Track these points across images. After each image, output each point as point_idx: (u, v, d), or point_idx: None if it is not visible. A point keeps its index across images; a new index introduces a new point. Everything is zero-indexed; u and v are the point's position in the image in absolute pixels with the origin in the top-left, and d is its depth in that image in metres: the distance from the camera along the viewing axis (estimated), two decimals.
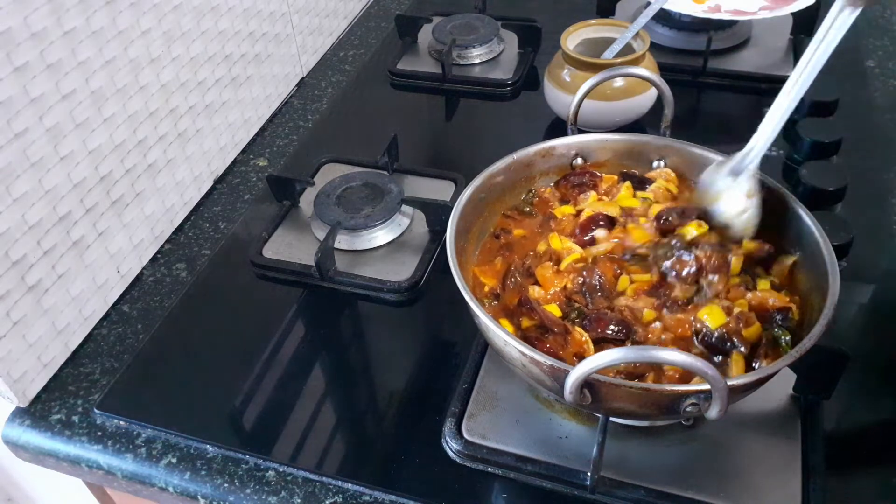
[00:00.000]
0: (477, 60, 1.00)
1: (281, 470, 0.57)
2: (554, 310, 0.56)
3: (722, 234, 0.59)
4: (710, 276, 0.55)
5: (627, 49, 0.83)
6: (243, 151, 0.90)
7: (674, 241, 0.57)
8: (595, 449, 0.52)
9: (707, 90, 0.93)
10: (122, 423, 0.62)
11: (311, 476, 0.57)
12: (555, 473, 0.54)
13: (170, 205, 0.77)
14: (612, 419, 0.54)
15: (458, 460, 0.56)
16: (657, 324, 0.54)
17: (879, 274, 0.69)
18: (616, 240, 0.60)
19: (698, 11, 0.93)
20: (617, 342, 0.53)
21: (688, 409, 0.46)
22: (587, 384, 0.46)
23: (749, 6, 0.94)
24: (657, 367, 0.51)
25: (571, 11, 1.07)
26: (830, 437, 0.55)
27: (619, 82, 0.80)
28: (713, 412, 0.45)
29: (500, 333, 0.49)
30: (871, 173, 0.78)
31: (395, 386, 0.62)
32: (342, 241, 0.74)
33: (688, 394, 0.45)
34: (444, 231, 0.57)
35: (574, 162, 0.67)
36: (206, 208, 0.82)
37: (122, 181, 0.70)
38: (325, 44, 1.07)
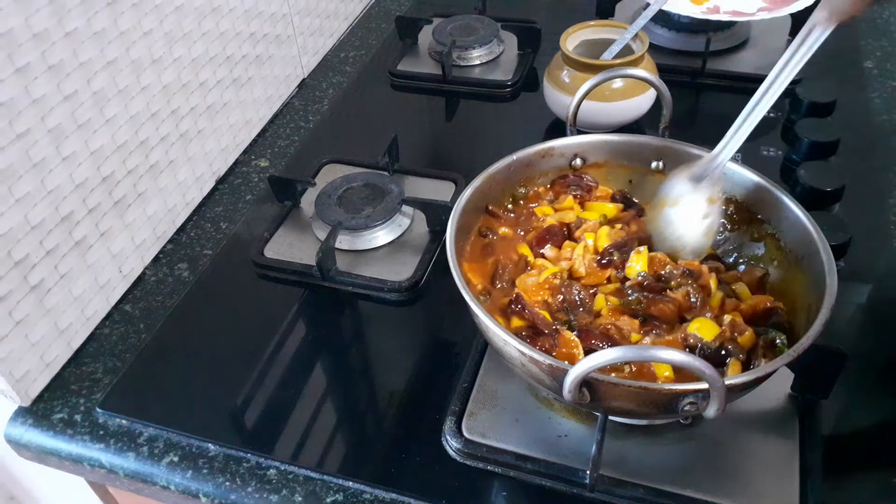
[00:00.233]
0: (477, 61, 1.01)
1: (282, 468, 0.58)
2: (544, 314, 0.56)
3: (670, 257, 0.59)
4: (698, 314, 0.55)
5: (626, 50, 0.83)
6: (245, 152, 0.90)
7: (644, 293, 0.56)
8: (594, 447, 0.52)
9: (706, 91, 0.94)
10: (124, 421, 0.62)
11: (313, 474, 0.57)
12: (554, 472, 0.55)
13: (172, 205, 0.78)
14: (610, 418, 0.55)
15: (458, 459, 0.57)
16: (646, 340, 0.54)
17: (877, 274, 0.69)
18: (564, 262, 0.60)
19: (697, 13, 0.93)
20: None
21: (686, 408, 0.46)
22: (586, 383, 0.46)
23: (748, 7, 0.94)
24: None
25: (571, 13, 1.07)
26: (828, 436, 0.56)
27: (618, 83, 0.81)
28: (711, 411, 0.46)
29: (499, 333, 0.50)
30: (869, 174, 0.78)
31: (395, 385, 0.63)
32: (343, 242, 0.74)
33: (686, 393, 0.46)
34: (444, 231, 0.58)
35: (573, 162, 0.67)
36: (208, 209, 0.82)
37: (125, 182, 0.70)
38: (325, 45, 1.07)
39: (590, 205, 0.66)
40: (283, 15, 0.93)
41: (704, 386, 0.44)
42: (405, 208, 0.77)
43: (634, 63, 0.80)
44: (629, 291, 0.57)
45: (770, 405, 0.58)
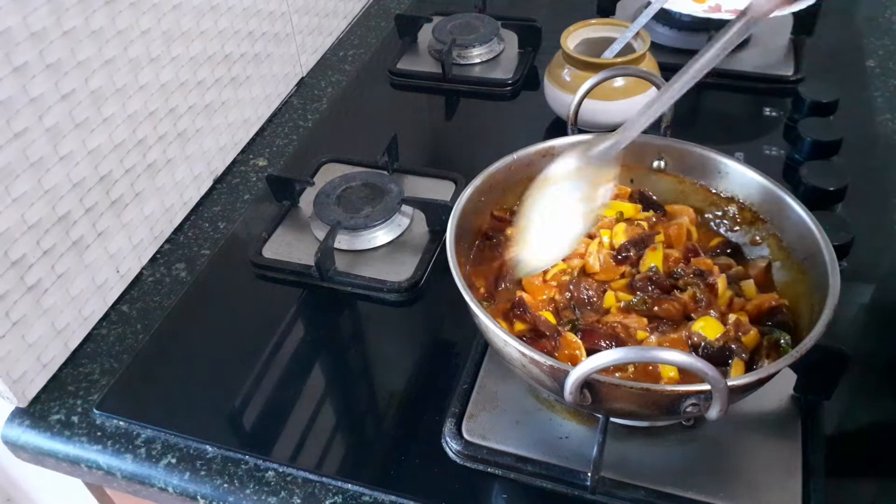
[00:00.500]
0: (477, 60, 1.00)
1: (281, 470, 0.57)
2: (548, 316, 0.56)
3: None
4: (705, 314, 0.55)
5: (628, 49, 0.83)
6: (243, 151, 0.89)
7: (650, 288, 0.57)
8: (595, 449, 0.52)
9: (707, 90, 0.93)
10: (121, 423, 0.62)
11: (311, 476, 0.57)
12: (555, 474, 0.54)
13: (169, 205, 0.77)
14: (612, 420, 0.54)
15: (458, 461, 0.56)
16: (652, 337, 0.54)
17: (880, 274, 0.69)
18: (576, 259, 0.60)
19: (699, 11, 0.93)
20: None
21: (688, 410, 0.46)
22: (587, 384, 0.46)
23: None
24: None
25: (572, 11, 1.06)
26: (831, 437, 0.55)
27: (619, 82, 0.80)
28: (713, 412, 0.45)
29: (499, 334, 0.49)
30: (871, 173, 0.78)
31: (395, 386, 0.62)
32: (342, 241, 0.74)
33: (688, 394, 0.45)
34: (444, 231, 0.57)
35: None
36: (206, 208, 0.82)
37: (122, 181, 0.70)
38: (324, 43, 1.07)
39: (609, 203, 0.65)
40: (281, 13, 0.92)
41: (707, 387, 0.44)
42: (405, 208, 0.77)
43: (636, 62, 0.79)
44: (638, 284, 0.57)
45: (772, 406, 0.57)
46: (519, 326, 0.55)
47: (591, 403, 0.48)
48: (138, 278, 0.74)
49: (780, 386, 0.57)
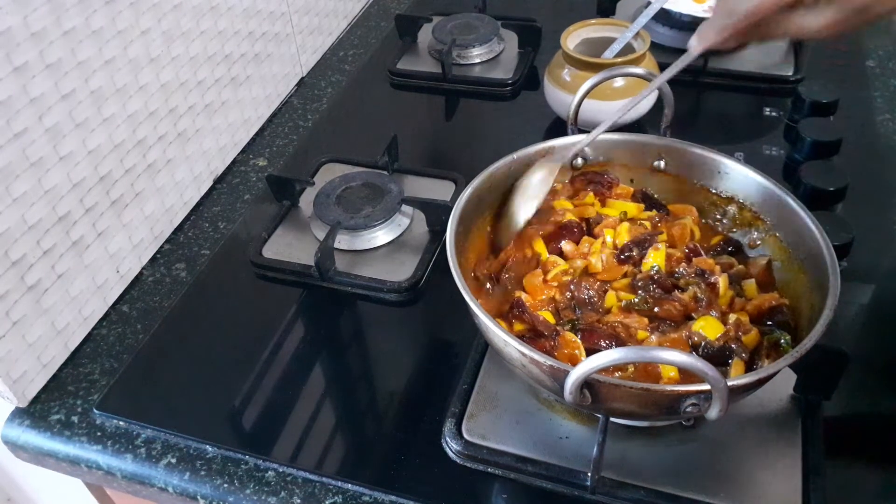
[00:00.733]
0: (477, 60, 1.00)
1: (281, 470, 0.57)
2: (547, 316, 0.56)
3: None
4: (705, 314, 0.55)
5: (628, 49, 0.83)
6: (243, 151, 0.89)
7: (652, 287, 0.57)
8: (595, 449, 0.52)
9: (707, 90, 0.93)
10: (121, 423, 0.62)
11: (311, 476, 0.57)
12: (555, 474, 0.54)
13: (169, 205, 0.77)
14: (612, 420, 0.54)
15: (458, 461, 0.56)
16: (652, 337, 0.54)
17: (880, 274, 0.69)
18: (579, 260, 0.60)
19: (699, 11, 0.93)
20: None
21: (688, 410, 0.46)
22: (587, 384, 0.46)
23: None
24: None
25: (572, 11, 1.07)
26: (831, 437, 0.55)
27: (619, 82, 0.80)
28: (713, 412, 0.45)
29: (499, 334, 0.49)
30: (871, 173, 0.78)
31: (395, 386, 0.62)
32: (342, 241, 0.74)
33: (688, 394, 0.45)
34: (444, 231, 0.57)
35: (575, 162, 0.67)
36: (206, 208, 0.82)
37: (122, 181, 0.70)
38: (324, 43, 1.07)
39: (610, 202, 0.65)
40: (281, 13, 0.92)
41: (707, 387, 0.44)
42: (405, 208, 0.77)
43: (636, 62, 0.79)
44: (639, 283, 0.57)
45: (772, 406, 0.57)
46: (518, 327, 0.55)
47: (591, 403, 0.48)
48: (138, 278, 0.74)
49: (780, 386, 0.57)
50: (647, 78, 0.69)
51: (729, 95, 0.92)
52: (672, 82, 0.69)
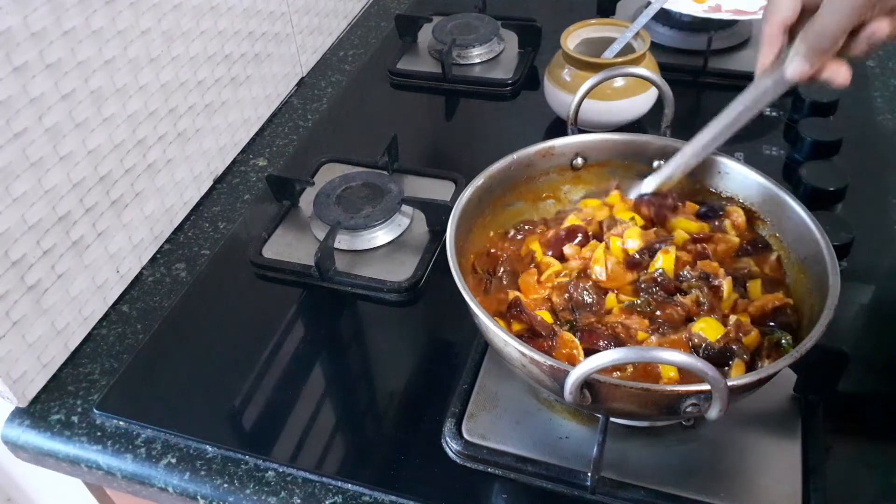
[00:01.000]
0: (477, 60, 1.00)
1: (281, 470, 0.57)
2: (544, 315, 0.56)
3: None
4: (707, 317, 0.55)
5: (628, 49, 0.83)
6: (243, 151, 0.89)
7: (655, 289, 0.57)
8: (595, 449, 0.52)
9: (707, 90, 0.93)
10: (121, 423, 0.62)
11: (311, 476, 0.57)
12: (555, 474, 0.54)
13: (169, 205, 0.77)
14: (612, 420, 0.54)
15: (458, 461, 0.56)
16: (653, 338, 0.54)
17: (880, 274, 0.69)
18: (574, 261, 0.60)
19: (699, 11, 0.92)
20: None
21: (688, 410, 0.46)
22: (587, 384, 0.46)
23: (749, 6, 0.94)
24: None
25: (571, 11, 1.07)
26: (831, 436, 0.55)
27: (619, 82, 0.80)
28: (713, 413, 0.45)
29: (499, 333, 0.49)
30: (871, 173, 0.78)
31: (394, 386, 0.62)
32: (342, 241, 0.74)
33: (688, 394, 0.45)
34: (444, 231, 0.57)
35: (574, 162, 0.66)
36: (206, 208, 0.82)
37: (122, 181, 0.70)
38: (324, 43, 1.07)
39: (673, 223, 0.63)
40: (281, 13, 0.92)
41: (707, 387, 0.44)
42: (405, 208, 0.77)
43: (636, 62, 0.79)
44: (643, 285, 0.57)
45: (772, 406, 0.57)
46: (516, 326, 0.55)
47: (591, 403, 0.48)
48: (138, 278, 0.74)
49: (780, 386, 0.57)
50: (647, 78, 0.69)
51: (729, 95, 0.90)
52: (672, 82, 0.69)
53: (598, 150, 0.66)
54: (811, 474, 0.53)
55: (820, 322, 0.48)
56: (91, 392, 0.64)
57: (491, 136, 0.90)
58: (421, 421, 0.59)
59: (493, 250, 0.63)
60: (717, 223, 0.62)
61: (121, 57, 0.67)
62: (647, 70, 0.69)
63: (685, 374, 0.50)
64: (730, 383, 0.44)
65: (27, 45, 0.57)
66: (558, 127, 0.87)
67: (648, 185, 0.64)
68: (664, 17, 0.98)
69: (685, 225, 0.62)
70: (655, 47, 0.93)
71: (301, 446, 0.58)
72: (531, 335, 0.54)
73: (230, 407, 0.62)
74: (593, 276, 0.58)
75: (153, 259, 0.76)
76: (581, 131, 0.68)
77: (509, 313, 0.56)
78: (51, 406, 0.63)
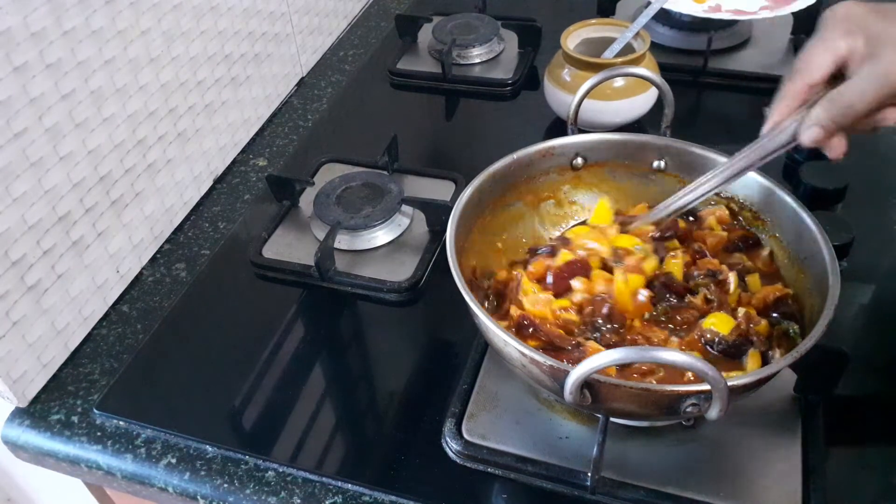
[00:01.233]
0: (477, 60, 1.00)
1: (281, 470, 0.57)
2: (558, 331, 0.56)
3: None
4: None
5: (628, 49, 0.83)
6: (243, 151, 0.89)
7: (667, 295, 0.57)
8: (595, 449, 0.52)
9: (707, 90, 0.93)
10: (121, 423, 0.62)
11: (311, 476, 0.57)
12: (555, 474, 0.54)
13: (169, 205, 0.77)
14: (612, 420, 0.54)
15: (458, 461, 0.56)
16: (674, 338, 0.55)
17: (880, 274, 0.69)
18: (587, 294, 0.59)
19: (699, 11, 0.92)
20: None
21: (688, 410, 0.46)
22: (587, 384, 0.46)
23: (749, 6, 0.94)
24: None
25: (572, 11, 1.06)
26: (831, 437, 0.55)
27: (619, 82, 0.80)
28: (713, 412, 0.45)
29: (499, 334, 0.49)
30: (871, 173, 0.78)
31: (394, 386, 0.62)
32: (342, 241, 0.74)
33: (688, 394, 0.45)
34: (444, 231, 0.57)
35: (574, 162, 0.66)
36: (206, 208, 0.82)
37: (122, 181, 0.70)
38: (324, 43, 1.07)
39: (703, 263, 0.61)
40: (281, 13, 0.92)
41: (707, 387, 0.44)
42: (405, 208, 0.77)
43: (636, 62, 0.79)
44: (656, 289, 0.57)
45: (772, 406, 0.57)
46: (532, 343, 0.54)
47: (591, 403, 0.48)
48: (138, 278, 0.74)
49: (781, 386, 0.57)
50: (646, 78, 0.69)
51: (729, 95, 0.92)
52: (672, 82, 0.69)
53: (598, 150, 0.66)
54: (811, 474, 0.53)
55: (820, 322, 0.48)
56: (91, 392, 0.64)
57: (491, 136, 0.90)
58: (421, 421, 0.59)
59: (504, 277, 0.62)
60: (694, 222, 0.63)
61: (121, 57, 0.67)
62: (647, 70, 0.69)
63: (685, 375, 0.50)
64: (730, 383, 0.44)
65: (27, 45, 0.57)
66: (558, 127, 0.87)
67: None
68: (664, 17, 0.98)
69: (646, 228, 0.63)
70: (655, 47, 0.93)
71: (301, 446, 0.58)
72: (553, 349, 0.54)
73: (230, 407, 0.62)
74: (618, 309, 0.57)
75: (153, 259, 0.76)
76: (581, 131, 0.68)
77: (524, 332, 0.55)
78: (51, 406, 0.63)
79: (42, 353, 0.64)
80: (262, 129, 0.93)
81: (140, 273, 0.75)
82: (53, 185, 0.62)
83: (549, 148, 0.65)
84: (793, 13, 0.93)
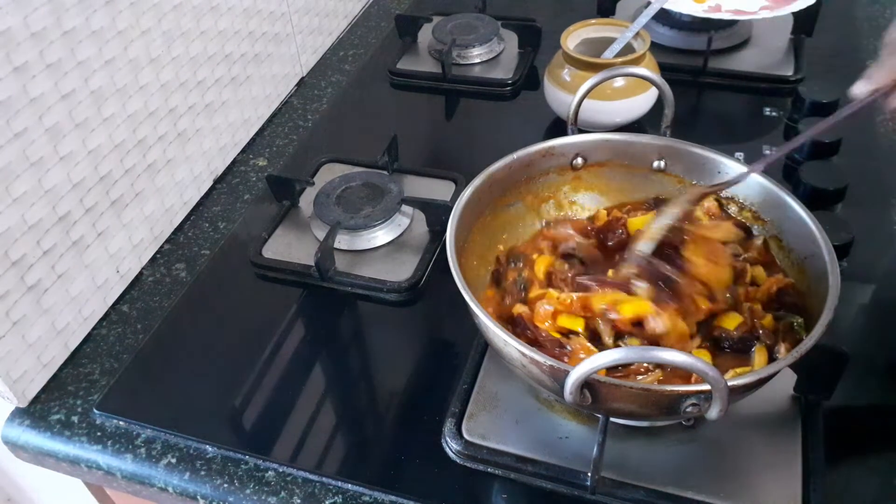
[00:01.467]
0: (477, 60, 1.00)
1: (281, 470, 0.57)
2: (572, 322, 0.56)
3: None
4: None
5: (628, 49, 0.83)
6: (243, 151, 0.89)
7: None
8: (595, 449, 0.52)
9: (707, 90, 0.93)
10: (121, 423, 0.62)
11: (311, 476, 0.57)
12: (555, 474, 0.54)
13: (169, 205, 0.77)
14: (612, 420, 0.54)
15: (457, 461, 0.56)
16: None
17: (880, 274, 0.69)
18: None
19: (699, 11, 0.92)
20: None
21: (688, 410, 0.46)
22: (587, 384, 0.46)
23: (749, 6, 0.94)
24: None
25: (572, 11, 1.06)
26: (831, 437, 0.55)
27: (619, 82, 0.80)
28: (713, 412, 0.45)
29: (500, 334, 0.49)
30: (871, 173, 0.78)
31: (395, 386, 0.62)
32: (342, 241, 0.74)
33: (688, 394, 0.45)
34: (444, 231, 0.57)
35: (574, 162, 0.67)
36: (206, 208, 0.82)
37: (122, 181, 0.70)
38: (324, 43, 1.07)
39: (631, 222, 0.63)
40: (281, 13, 0.92)
41: (707, 387, 0.44)
42: (405, 208, 0.77)
43: (636, 62, 0.79)
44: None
45: (772, 406, 0.57)
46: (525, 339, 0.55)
47: (591, 403, 0.48)
48: (138, 278, 0.74)
49: (781, 386, 0.57)
50: (646, 78, 0.69)
51: (729, 95, 0.92)
52: (672, 82, 0.69)
53: (598, 150, 0.66)
54: (811, 474, 0.53)
55: (820, 322, 0.48)
56: (91, 392, 0.64)
57: (491, 136, 0.90)
58: (421, 421, 0.59)
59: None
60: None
61: (121, 57, 0.67)
62: (647, 70, 0.69)
63: (685, 375, 0.50)
64: (730, 383, 0.44)
65: (27, 45, 0.57)
66: (558, 127, 0.87)
67: (646, 246, 0.59)
68: (664, 17, 0.98)
69: (639, 224, 0.62)
70: (655, 47, 0.93)
71: (301, 446, 0.58)
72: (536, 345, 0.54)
73: (230, 407, 0.62)
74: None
75: (153, 259, 0.76)
76: (581, 131, 0.68)
77: (515, 330, 0.55)
78: (51, 406, 0.63)
79: (42, 353, 0.64)
80: (262, 129, 0.93)
81: (140, 273, 0.75)
82: (53, 185, 0.62)
83: (548, 148, 0.65)
84: (793, 13, 0.93)
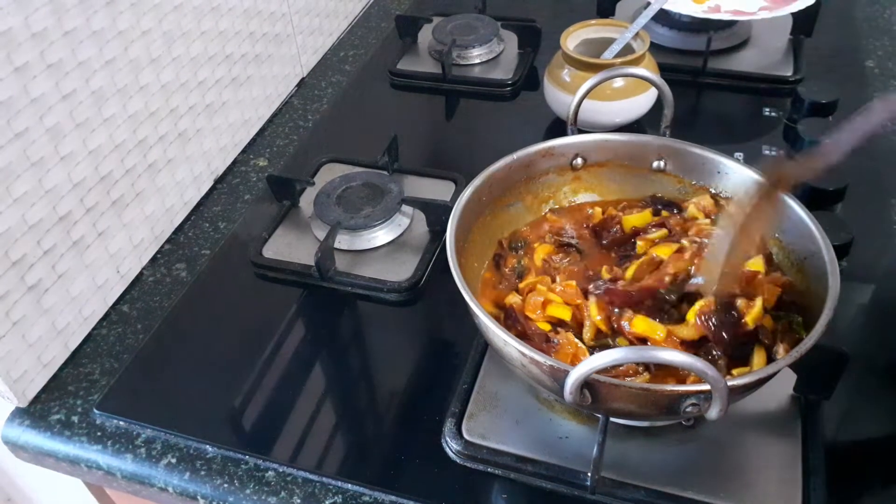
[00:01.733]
0: (477, 60, 1.00)
1: (281, 470, 0.57)
2: (560, 312, 0.56)
3: None
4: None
5: (627, 49, 0.83)
6: (243, 151, 0.89)
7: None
8: (595, 449, 0.52)
9: (707, 90, 0.93)
10: (121, 423, 0.62)
11: (311, 476, 0.57)
12: (555, 474, 0.54)
13: (170, 205, 0.77)
14: (612, 420, 0.54)
15: (457, 460, 0.56)
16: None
17: (879, 274, 0.69)
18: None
19: (698, 12, 0.93)
20: None
21: (688, 410, 0.46)
22: (587, 384, 0.46)
23: (749, 6, 0.94)
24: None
25: (571, 11, 1.07)
26: (831, 437, 0.55)
27: (618, 82, 0.80)
28: (713, 412, 0.45)
29: (499, 334, 0.49)
30: (870, 173, 0.78)
31: (395, 386, 0.62)
32: (342, 241, 0.74)
33: (688, 394, 0.45)
34: (444, 231, 0.57)
35: (574, 162, 0.67)
36: (206, 208, 0.82)
37: (123, 181, 0.70)
38: (325, 44, 1.07)
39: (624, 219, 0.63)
40: (282, 14, 0.92)
41: (707, 387, 0.44)
42: (405, 208, 0.77)
43: (635, 62, 0.79)
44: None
45: (772, 406, 0.57)
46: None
47: (591, 403, 0.48)
48: (139, 278, 0.74)
49: (781, 386, 0.57)
50: (646, 78, 0.69)
51: (729, 95, 0.92)
52: (671, 83, 0.69)
53: (598, 150, 0.67)
54: (811, 474, 0.53)
55: (819, 322, 0.48)
56: (91, 392, 0.64)
57: (491, 136, 0.90)
58: (421, 421, 0.59)
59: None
60: (678, 213, 0.63)
61: (122, 57, 0.67)
62: (646, 70, 0.69)
63: (685, 374, 0.50)
64: (730, 383, 0.44)
65: (28, 46, 0.57)
66: (558, 127, 0.87)
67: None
68: (664, 17, 0.98)
69: (634, 221, 0.62)
70: (655, 48, 0.93)
71: (301, 446, 0.59)
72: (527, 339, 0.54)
73: (230, 407, 0.62)
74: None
75: (153, 259, 0.76)
76: (581, 131, 0.68)
77: (504, 322, 0.56)
78: (51, 406, 0.63)
79: (42, 353, 0.64)
80: (262, 130, 0.93)
81: (140, 273, 0.75)
82: (54, 185, 0.62)
83: (548, 148, 0.65)
84: (792, 14, 0.93)
